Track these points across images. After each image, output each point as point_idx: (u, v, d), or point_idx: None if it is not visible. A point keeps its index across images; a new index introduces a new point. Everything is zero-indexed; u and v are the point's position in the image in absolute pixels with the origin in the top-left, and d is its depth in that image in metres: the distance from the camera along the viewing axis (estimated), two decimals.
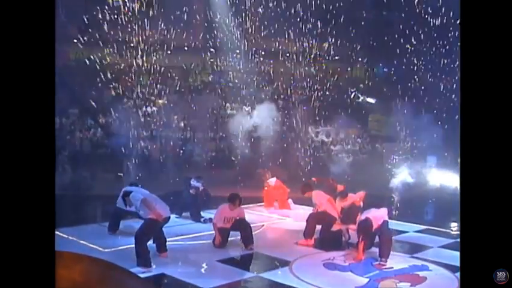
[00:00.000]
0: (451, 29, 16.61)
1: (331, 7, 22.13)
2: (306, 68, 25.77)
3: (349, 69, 26.24)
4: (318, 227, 9.42)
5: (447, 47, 18.10)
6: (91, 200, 13.44)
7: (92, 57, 22.41)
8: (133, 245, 7.40)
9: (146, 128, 19.84)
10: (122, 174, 16.20)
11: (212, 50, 24.18)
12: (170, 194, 11.04)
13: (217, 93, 23.67)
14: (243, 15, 23.41)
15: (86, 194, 13.72)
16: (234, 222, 8.75)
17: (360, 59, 25.76)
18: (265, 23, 23.25)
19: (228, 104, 22.77)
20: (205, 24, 23.26)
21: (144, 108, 21.18)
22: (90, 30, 19.66)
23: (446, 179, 15.15)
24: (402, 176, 11.89)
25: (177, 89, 23.28)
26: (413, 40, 20.19)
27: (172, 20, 21.34)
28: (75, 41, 21.08)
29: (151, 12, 20.94)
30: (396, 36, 20.50)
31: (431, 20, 18.93)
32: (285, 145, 20.18)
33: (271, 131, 20.27)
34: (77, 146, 17.81)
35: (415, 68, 20.29)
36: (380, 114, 22.77)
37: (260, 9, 23.15)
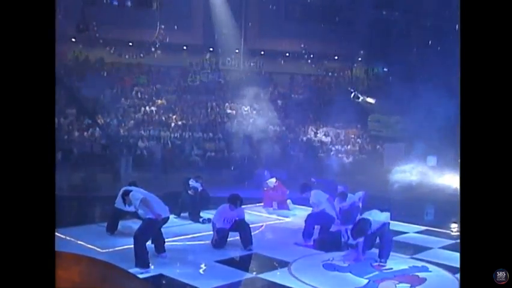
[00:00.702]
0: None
1: (331, 7, 22.10)
2: (306, 68, 25.80)
3: (349, 70, 26.24)
4: (318, 227, 9.40)
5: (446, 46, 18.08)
6: (89, 200, 13.40)
7: (90, 56, 22.39)
8: (132, 246, 7.38)
9: (145, 128, 19.81)
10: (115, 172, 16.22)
11: (211, 49, 24.17)
12: (169, 195, 11.00)
13: (216, 92, 23.65)
14: (243, 14, 23.42)
15: (84, 194, 13.68)
16: (233, 222, 8.73)
17: (360, 59, 25.77)
18: (265, 22, 23.25)
19: (227, 104, 22.75)
20: (204, 24, 23.26)
21: (143, 108, 21.16)
22: (87, 29, 19.68)
23: (446, 179, 15.13)
24: (402, 176, 11.87)
25: (176, 88, 23.28)
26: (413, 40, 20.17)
27: (171, 19, 21.34)
28: (73, 40, 21.05)
29: (150, 11, 20.95)
30: (397, 35, 20.47)
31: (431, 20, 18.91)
32: (284, 145, 20.17)
33: (270, 131, 20.28)
34: (75, 146, 17.75)
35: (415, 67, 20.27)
36: (380, 114, 22.74)
37: (259, 9, 23.15)
